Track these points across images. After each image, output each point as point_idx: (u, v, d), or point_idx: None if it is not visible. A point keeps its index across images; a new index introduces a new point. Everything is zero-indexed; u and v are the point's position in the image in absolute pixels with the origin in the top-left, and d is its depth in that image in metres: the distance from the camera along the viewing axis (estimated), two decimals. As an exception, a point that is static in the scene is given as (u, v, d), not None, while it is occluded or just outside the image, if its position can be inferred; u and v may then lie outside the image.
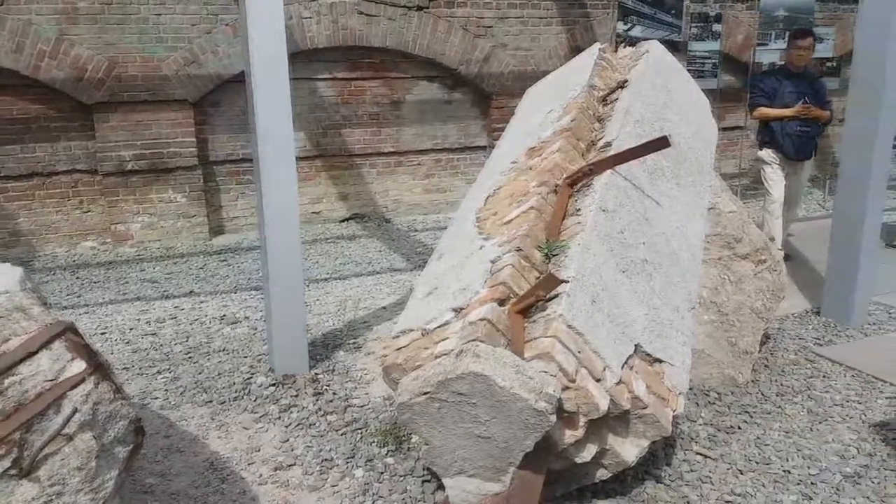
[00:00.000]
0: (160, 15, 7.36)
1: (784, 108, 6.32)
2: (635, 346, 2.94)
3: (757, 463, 3.50)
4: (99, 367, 1.94)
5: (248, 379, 4.07)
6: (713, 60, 8.92)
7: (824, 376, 4.41)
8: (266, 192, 3.91)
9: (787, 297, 4.89)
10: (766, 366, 4.51)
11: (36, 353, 1.88)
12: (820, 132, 6.50)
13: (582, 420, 2.66)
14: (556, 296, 2.81)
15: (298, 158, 8.16)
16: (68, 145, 7.43)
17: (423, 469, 3.19)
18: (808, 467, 3.46)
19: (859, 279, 5.11)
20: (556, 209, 3.34)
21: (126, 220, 7.59)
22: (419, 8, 8.32)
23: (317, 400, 3.85)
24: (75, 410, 1.84)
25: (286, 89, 3.99)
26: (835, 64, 9.58)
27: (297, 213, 4.11)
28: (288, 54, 7.73)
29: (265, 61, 3.87)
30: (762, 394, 4.17)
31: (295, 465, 3.28)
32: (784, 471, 3.43)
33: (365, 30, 8.13)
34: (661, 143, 3.38)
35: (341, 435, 3.52)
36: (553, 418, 2.43)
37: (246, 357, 4.39)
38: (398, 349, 3.14)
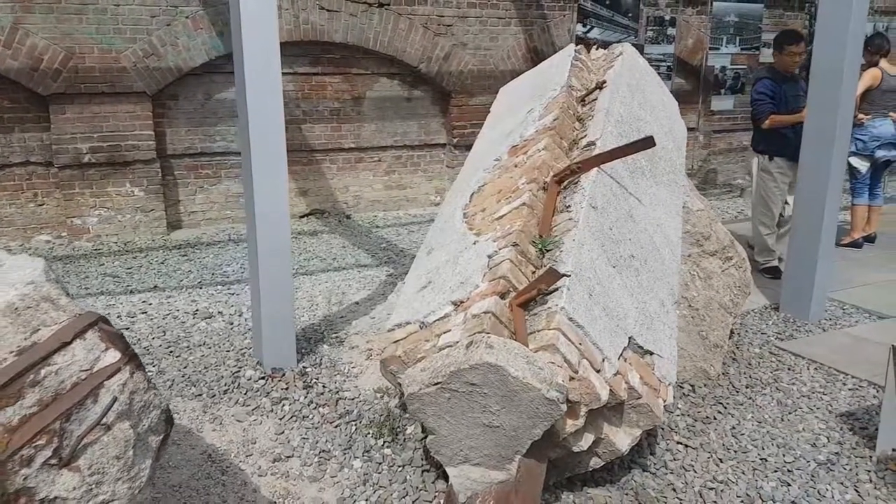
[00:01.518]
0: (119, 6, 7.21)
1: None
2: (629, 338, 3.04)
3: (735, 451, 3.64)
4: (133, 357, 1.93)
5: (237, 372, 4.04)
6: (667, 63, 9.15)
7: (789, 369, 4.60)
8: (257, 187, 3.89)
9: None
10: (734, 359, 4.68)
11: (70, 343, 1.86)
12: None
13: (583, 410, 2.74)
14: (555, 289, 2.88)
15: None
16: (22, 137, 7.22)
17: (422, 459, 3.23)
18: (784, 455, 3.61)
19: (817, 277, 5.33)
20: (546, 206, 3.41)
21: (82, 213, 7.41)
22: (380, 5, 8.33)
23: (307, 393, 3.86)
24: (115, 399, 1.83)
25: (278, 83, 3.98)
26: (782, 69, 9.90)
27: (287, 208, 4.09)
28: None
29: (257, 55, 3.84)
30: (733, 386, 4.33)
31: (293, 456, 3.29)
32: (761, 459, 3.58)
33: (326, 25, 8.10)
34: (647, 143, 3.49)
35: (335, 427, 3.54)
36: (564, 407, 2.51)
37: (229, 351, 4.35)
38: (395, 342, 3.18)
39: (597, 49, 5.13)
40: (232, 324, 4.91)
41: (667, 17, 9.05)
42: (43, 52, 6.97)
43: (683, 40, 9.81)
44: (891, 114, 7.18)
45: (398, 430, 3.46)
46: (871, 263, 6.79)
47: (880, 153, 7.19)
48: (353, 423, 3.57)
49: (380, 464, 3.24)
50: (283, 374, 4.02)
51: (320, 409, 3.71)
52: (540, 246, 3.22)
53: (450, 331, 2.91)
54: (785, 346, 4.93)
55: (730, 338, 4.87)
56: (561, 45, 9.32)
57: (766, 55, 9.64)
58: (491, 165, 4.10)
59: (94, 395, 1.83)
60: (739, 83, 9.53)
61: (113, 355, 1.90)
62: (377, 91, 8.76)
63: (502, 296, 2.92)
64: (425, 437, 3.35)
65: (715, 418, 3.95)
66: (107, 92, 7.28)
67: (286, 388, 3.88)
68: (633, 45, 8.52)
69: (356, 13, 8.16)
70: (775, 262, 6.49)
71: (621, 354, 2.96)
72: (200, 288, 5.96)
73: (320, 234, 8.00)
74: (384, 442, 3.39)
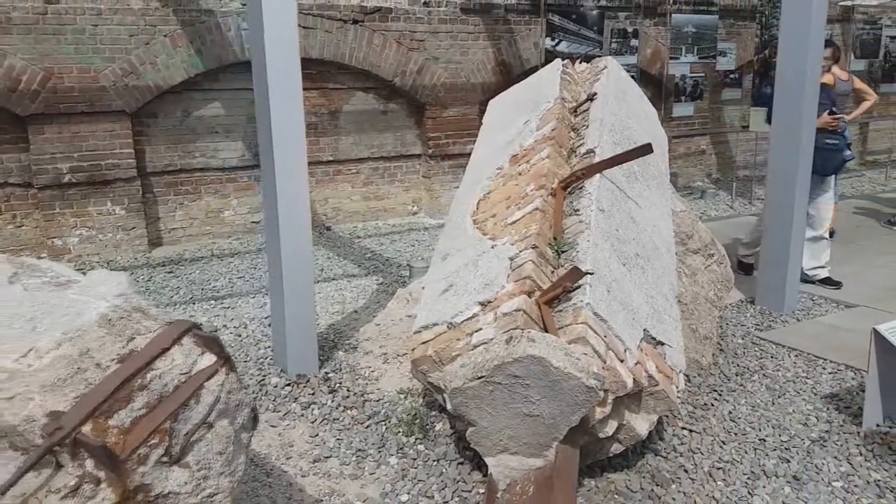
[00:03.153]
0: (97, 25, 7.25)
1: None
2: (644, 330, 3.27)
3: (735, 434, 3.90)
4: (227, 360, 2.08)
5: (262, 381, 4.16)
6: (631, 73, 9.49)
7: (772, 357, 4.89)
8: (280, 197, 4.03)
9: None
10: (721, 350, 4.96)
11: (169, 348, 2.00)
12: (847, 144, 6.21)
13: (610, 397, 2.95)
14: (577, 287, 3.10)
15: (237, 168, 8.25)
16: (0, 158, 7.19)
17: (456, 453, 3.41)
18: (780, 435, 3.89)
19: (790, 270, 5.66)
20: (556, 210, 3.63)
21: (63, 234, 7.41)
22: (355, 21, 8.51)
23: (334, 397, 4.00)
24: (218, 399, 1.97)
25: (299, 97, 4.12)
26: (737, 76, 10.37)
27: (310, 219, 4.25)
28: (227, 65, 7.81)
29: (279, 69, 3.99)
30: (724, 374, 4.60)
31: (331, 456, 3.43)
32: (760, 439, 3.84)
33: (303, 41, 8.20)
34: (645, 150, 3.74)
35: (366, 427, 3.70)
36: (602, 394, 2.72)
37: (247, 361, 4.47)
38: (424, 343, 3.35)
39: (580, 63, 5.39)
40: (241, 335, 5.02)
41: (629, 30, 9.40)
42: (21, 72, 6.97)
43: (642, 51, 10.19)
44: (844, 116, 7.60)
45: (428, 427, 3.63)
46: (832, 257, 7.16)
47: (837, 153, 7.59)
48: (383, 423, 3.74)
49: (415, 459, 3.41)
50: (308, 380, 4.16)
51: (348, 411, 3.86)
52: (556, 247, 3.44)
53: (481, 329, 3.10)
54: (765, 336, 5.24)
55: (715, 330, 5.15)
56: (527, 58, 9.64)
57: (722, 63, 10.10)
58: (494, 174, 4.31)
59: (196, 395, 1.97)
60: (698, 90, 9.93)
61: (209, 358, 2.05)
62: (353, 105, 8.93)
63: (528, 295, 3.12)
64: (455, 433, 3.55)
65: (712, 405, 4.21)
66: (86, 111, 7.30)
67: (313, 394, 4.03)
68: (598, 56, 8.88)
69: (332, 30, 8.32)
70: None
71: (638, 345, 3.18)
72: (194, 304, 6.04)
73: (302, 246, 8.10)
74: (416, 439, 3.56)
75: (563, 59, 5.19)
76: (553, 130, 4.19)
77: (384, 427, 3.70)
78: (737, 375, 4.61)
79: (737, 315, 5.70)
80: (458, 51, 9.27)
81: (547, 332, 2.96)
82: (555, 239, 3.50)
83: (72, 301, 2.14)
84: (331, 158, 8.88)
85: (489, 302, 3.20)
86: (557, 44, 8.87)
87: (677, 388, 3.33)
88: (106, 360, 1.98)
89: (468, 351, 3.04)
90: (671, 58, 9.61)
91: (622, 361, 3.00)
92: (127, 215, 7.65)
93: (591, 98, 4.50)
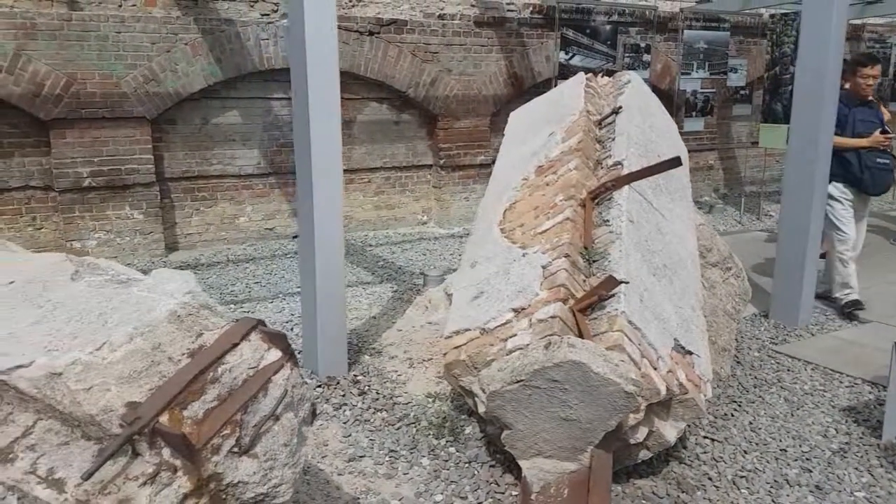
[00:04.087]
0: (120, 32, 7.34)
1: (857, 137, 5.91)
2: (674, 339, 3.35)
3: (756, 444, 3.97)
4: (292, 355, 2.15)
5: (293, 383, 4.24)
6: (643, 87, 9.62)
7: (789, 370, 4.97)
8: (316, 202, 4.13)
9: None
10: (738, 362, 5.03)
11: (238, 343, 2.08)
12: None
13: (644, 404, 3.03)
14: (612, 295, 3.17)
15: (252, 176, 8.34)
16: (22, 161, 7.29)
17: (487, 455, 3.48)
18: (800, 445, 3.96)
19: (804, 284, 5.74)
20: (586, 220, 3.71)
21: (82, 237, 7.48)
22: (371, 33, 8.62)
23: (363, 399, 4.08)
24: (286, 392, 2.05)
25: (337, 104, 4.23)
26: (747, 92, 10.48)
27: (342, 226, 4.35)
28: (245, 74, 7.92)
29: (320, 76, 4.11)
30: (742, 386, 4.67)
31: (364, 456, 3.50)
32: (781, 449, 3.91)
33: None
34: (674, 163, 3.83)
35: (397, 429, 3.77)
36: (640, 400, 2.79)
37: (276, 365, 4.54)
38: (456, 347, 3.43)
39: (602, 76, 5.49)
40: (265, 339, 5.08)
41: (642, 45, 9.52)
42: (45, 77, 7.06)
43: (654, 66, 10.31)
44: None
45: (457, 430, 3.70)
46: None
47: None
48: (413, 425, 3.81)
49: (446, 461, 3.48)
50: (338, 382, 4.23)
51: (379, 413, 3.93)
52: (587, 257, 3.52)
53: (516, 335, 3.17)
54: (781, 350, 5.31)
55: (731, 343, 5.23)
56: (539, 71, 9.76)
57: (733, 79, 10.22)
58: (519, 184, 4.39)
59: (264, 389, 2.05)
60: (709, 106, 10.05)
61: (275, 354, 2.12)
62: (367, 115, 9.03)
63: (563, 302, 3.20)
64: (485, 437, 3.62)
65: (732, 415, 4.28)
66: (107, 117, 7.39)
67: (343, 395, 4.10)
68: (613, 71, 9.00)
69: (348, 41, 8.42)
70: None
71: (669, 354, 3.26)
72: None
73: (316, 254, 8.18)
74: (446, 441, 3.63)
75: (586, 73, 5.29)
76: (580, 142, 4.28)
77: (415, 429, 3.77)
78: (755, 387, 4.68)
79: (751, 328, 5.78)
80: (471, 63, 9.38)
81: (583, 338, 3.03)
82: (585, 248, 3.58)
83: (140, 298, 2.22)
84: (344, 167, 8.88)
85: (522, 309, 3.28)
86: (571, 57, 8.98)
87: (705, 396, 3.40)
88: (177, 354, 2.05)
89: (503, 356, 3.11)
90: (683, 73, 9.73)
91: (655, 369, 3.08)
92: (145, 219, 7.73)
93: (616, 111, 4.59)
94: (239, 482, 1.97)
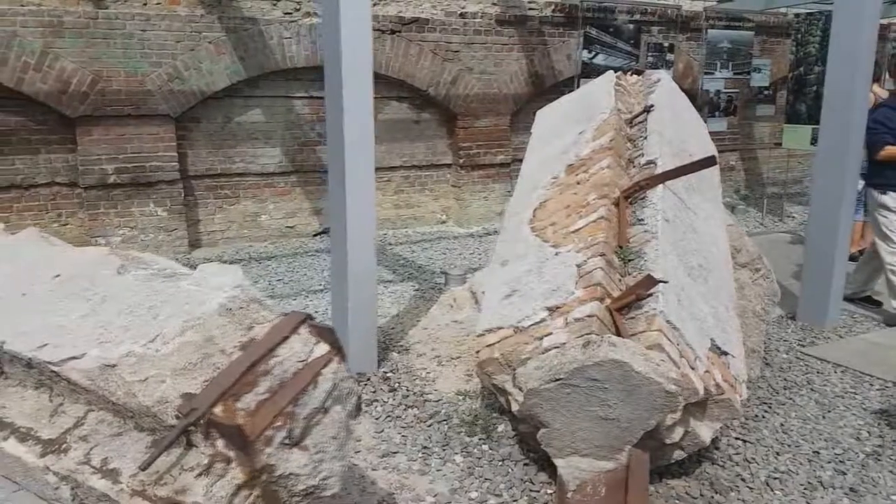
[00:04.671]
0: (145, 31, 7.39)
1: None
2: (710, 339, 3.33)
3: (788, 446, 3.94)
4: (340, 349, 2.16)
5: (325, 379, 4.25)
6: (665, 88, 9.59)
7: (818, 372, 4.94)
8: (350, 198, 4.15)
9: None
10: (767, 364, 5.00)
11: (288, 337, 2.09)
12: None
13: (682, 404, 3.01)
14: (650, 295, 3.16)
15: (274, 174, 8.37)
16: (48, 158, 7.35)
17: (520, 453, 3.48)
18: (833, 448, 3.93)
19: (833, 286, 5.70)
20: (620, 219, 3.70)
21: (106, 233, 7.53)
22: (392, 32, 8.63)
23: (394, 395, 4.09)
24: (335, 386, 2.05)
25: (370, 104, 4.25)
26: (770, 92, 10.42)
27: (375, 225, 4.38)
28: (267, 73, 7.95)
29: (354, 74, 4.12)
30: (772, 388, 4.65)
31: (398, 452, 3.52)
32: (813, 451, 3.89)
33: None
34: (709, 162, 3.82)
35: (428, 426, 3.78)
36: (681, 399, 2.78)
37: (307, 361, 4.56)
38: (489, 346, 3.42)
39: (631, 75, 5.47)
40: (294, 336, 5.10)
41: (665, 44, 9.49)
42: (71, 75, 7.11)
43: (677, 65, 10.27)
44: None
45: (490, 428, 3.70)
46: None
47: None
48: (444, 422, 3.81)
49: (479, 458, 3.48)
50: (369, 379, 4.24)
51: (410, 410, 3.95)
52: (622, 256, 3.51)
53: (551, 333, 3.17)
54: (809, 352, 5.28)
55: (759, 344, 5.20)
56: (560, 70, 9.75)
57: (756, 79, 10.17)
58: (549, 183, 4.38)
59: (314, 382, 2.05)
60: (732, 106, 10.00)
61: (323, 347, 2.13)
62: (387, 114, 9.04)
63: (599, 301, 3.19)
64: (517, 435, 3.62)
65: (763, 416, 4.26)
66: (132, 114, 7.44)
67: (374, 392, 4.11)
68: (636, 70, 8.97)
69: (371, 39, 8.42)
70: None
71: (706, 354, 3.24)
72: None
73: (337, 252, 8.20)
74: (479, 439, 3.63)
75: (616, 72, 5.28)
76: (611, 140, 4.27)
77: (446, 426, 3.78)
78: (784, 389, 4.65)
79: (779, 330, 5.74)
80: (492, 62, 9.38)
81: (621, 337, 3.02)
82: (620, 247, 3.57)
83: (189, 291, 2.23)
84: (366, 166, 8.96)
85: (557, 307, 3.27)
86: (594, 56, 8.97)
87: (740, 397, 3.39)
88: (229, 347, 2.06)
89: (539, 354, 3.11)
90: (706, 73, 9.68)
91: (693, 369, 3.06)
92: (169, 217, 7.77)
93: (647, 110, 4.57)
94: (290, 474, 1.97)
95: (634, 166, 4.23)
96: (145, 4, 7.49)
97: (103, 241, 7.50)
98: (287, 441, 1.97)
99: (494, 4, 9.34)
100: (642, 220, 3.69)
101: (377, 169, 8.99)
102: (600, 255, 3.39)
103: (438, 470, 3.39)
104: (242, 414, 1.95)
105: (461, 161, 9.50)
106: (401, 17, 8.68)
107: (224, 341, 2.08)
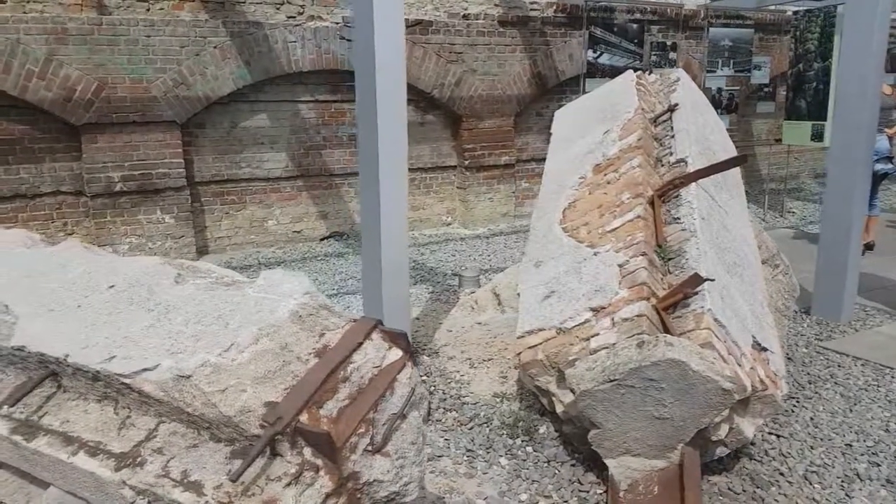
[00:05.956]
0: (150, 37, 7.34)
1: None
2: (752, 336, 3.34)
3: (821, 439, 3.96)
4: (412, 355, 2.15)
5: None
6: (666, 86, 9.62)
7: (839, 366, 4.97)
8: (384, 202, 4.15)
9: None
10: (789, 359, 5.03)
11: (362, 343, 2.08)
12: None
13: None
14: (696, 293, 3.17)
15: (280, 179, 8.33)
16: (53, 167, 7.28)
17: (566, 454, 3.47)
18: (864, 440, 3.96)
19: (847, 280, 5.74)
20: (657, 218, 3.71)
21: (113, 241, 7.47)
22: (396, 33, 8.59)
23: (431, 399, 4.07)
24: (413, 391, 2.04)
25: (404, 106, 4.26)
26: (770, 89, 10.49)
27: (407, 229, 4.39)
28: (273, 77, 7.92)
29: (387, 80, 4.14)
30: (797, 382, 4.67)
31: (443, 456, 3.50)
32: (846, 444, 3.91)
33: (346, 54, 8.35)
34: (740, 160, 3.84)
35: (470, 429, 3.77)
36: (737, 397, 2.79)
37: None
38: (531, 347, 3.43)
39: (648, 74, 5.49)
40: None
41: (668, 43, 9.53)
42: (76, 82, 7.06)
43: (677, 63, 10.31)
44: (885, 130, 7.73)
45: (532, 430, 3.70)
46: (875, 269, 7.27)
47: (878, 167, 7.71)
48: (485, 425, 3.81)
49: (524, 460, 3.47)
50: (405, 383, 4.23)
51: (449, 413, 3.93)
52: (661, 255, 3.52)
53: (598, 334, 3.17)
54: (828, 346, 5.31)
55: (780, 339, 5.23)
56: (563, 70, 9.76)
57: (756, 77, 10.23)
58: (576, 183, 4.39)
59: (391, 388, 2.04)
60: (733, 103, 10.06)
61: (395, 353, 2.12)
62: (392, 116, 8.99)
63: (646, 300, 3.20)
64: (560, 436, 3.62)
65: (793, 411, 4.28)
66: (137, 121, 7.39)
67: (411, 396, 4.10)
68: (638, 68, 9.01)
69: (375, 41, 8.40)
70: None
71: (749, 351, 3.26)
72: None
73: (346, 255, 8.19)
74: (522, 441, 3.63)
75: (636, 71, 5.30)
76: (639, 140, 4.28)
77: (488, 429, 3.77)
78: (809, 383, 4.68)
79: (794, 325, 5.77)
80: (496, 63, 9.38)
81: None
82: (659, 246, 3.58)
83: (257, 299, 2.21)
84: (372, 169, 8.93)
85: (602, 308, 3.28)
86: (599, 56, 8.99)
87: (781, 392, 3.40)
88: (304, 354, 2.05)
89: (587, 355, 3.11)
90: (708, 71, 9.73)
91: (740, 366, 3.08)
92: (176, 224, 7.72)
93: (671, 109, 4.59)
94: (374, 481, 1.96)
95: (663, 165, 4.25)
96: (149, 10, 7.44)
97: (110, 249, 7.43)
98: (370, 447, 1.96)
99: (497, 6, 9.35)
100: (678, 218, 3.70)
101: (382, 172, 9.11)
102: (642, 255, 3.39)
103: (485, 473, 3.38)
104: (326, 421, 1.94)
105: (466, 162, 9.50)
106: (405, 20, 8.63)
107: (299, 348, 2.06)
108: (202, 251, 8.08)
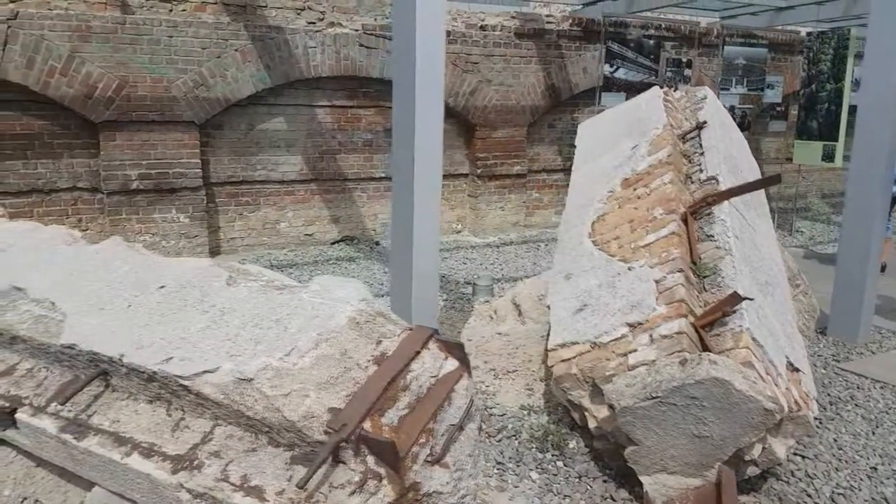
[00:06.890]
0: (172, 37, 7.34)
1: None
2: (786, 356, 3.35)
3: (846, 462, 3.96)
4: (468, 365, 2.15)
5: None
6: (681, 102, 9.66)
7: (858, 388, 4.97)
8: (418, 212, 4.17)
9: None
10: (809, 379, 5.04)
11: (420, 351, 2.07)
12: None
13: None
14: (734, 311, 3.18)
15: (294, 182, 8.33)
16: (71, 163, 7.27)
17: (598, 470, 3.46)
18: (889, 464, 3.96)
19: (864, 302, 5.76)
20: (691, 235, 3.72)
21: (128, 239, 7.36)
22: (414, 41, 8.61)
23: (459, 411, 4.07)
24: (471, 402, 2.04)
25: (440, 120, 4.30)
26: (783, 108, 10.53)
27: (438, 232, 4.45)
28: (292, 81, 7.93)
29: (427, 92, 4.19)
30: (818, 403, 4.67)
31: (474, 468, 3.49)
32: (871, 467, 3.91)
33: (365, 61, 8.37)
34: (773, 180, 3.85)
35: (498, 441, 3.76)
36: (779, 417, 2.79)
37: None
38: (564, 360, 3.42)
39: (674, 91, 5.51)
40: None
41: (683, 59, 9.57)
42: (97, 80, 7.05)
43: (691, 80, 10.35)
44: None
45: (562, 444, 3.69)
46: (890, 290, 7.29)
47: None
48: (514, 437, 3.80)
49: (555, 475, 3.46)
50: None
51: (477, 424, 3.93)
52: (697, 272, 3.53)
53: (636, 350, 3.17)
54: (846, 367, 5.32)
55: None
56: (576, 83, 9.79)
57: (769, 96, 10.27)
58: (605, 196, 4.40)
59: (449, 398, 2.04)
60: (746, 121, 10.09)
61: (452, 363, 2.12)
62: (408, 123, 9.01)
63: (684, 317, 3.20)
64: (591, 451, 3.61)
65: (816, 432, 4.28)
66: (157, 120, 7.38)
67: (439, 406, 4.09)
68: (654, 83, 9.03)
69: (391, 50, 8.43)
70: None
71: (784, 370, 3.26)
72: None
73: (357, 260, 8.19)
74: (552, 455, 3.62)
75: (662, 87, 5.32)
76: (669, 156, 4.29)
77: (516, 442, 3.76)
78: (830, 405, 4.68)
79: (811, 346, 5.77)
80: (511, 74, 9.41)
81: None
82: (694, 263, 3.58)
83: (314, 304, 2.21)
84: (383, 175, 8.95)
85: (640, 323, 3.28)
86: (615, 70, 9.03)
87: (813, 413, 3.41)
88: (363, 361, 2.05)
89: (625, 371, 3.11)
90: (721, 88, 9.77)
91: (777, 386, 3.08)
92: (191, 223, 7.71)
93: (700, 126, 4.60)
94: (434, 492, 1.96)
95: (693, 182, 4.26)
96: (171, 11, 7.44)
97: (125, 247, 7.41)
98: (430, 458, 1.96)
99: (513, 18, 9.38)
100: (711, 235, 3.70)
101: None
102: (679, 271, 3.40)
103: (516, 486, 3.37)
104: (387, 430, 1.93)
105: (478, 171, 9.51)
106: (422, 28, 8.67)
107: (357, 355, 2.06)
108: (214, 251, 8.06)
